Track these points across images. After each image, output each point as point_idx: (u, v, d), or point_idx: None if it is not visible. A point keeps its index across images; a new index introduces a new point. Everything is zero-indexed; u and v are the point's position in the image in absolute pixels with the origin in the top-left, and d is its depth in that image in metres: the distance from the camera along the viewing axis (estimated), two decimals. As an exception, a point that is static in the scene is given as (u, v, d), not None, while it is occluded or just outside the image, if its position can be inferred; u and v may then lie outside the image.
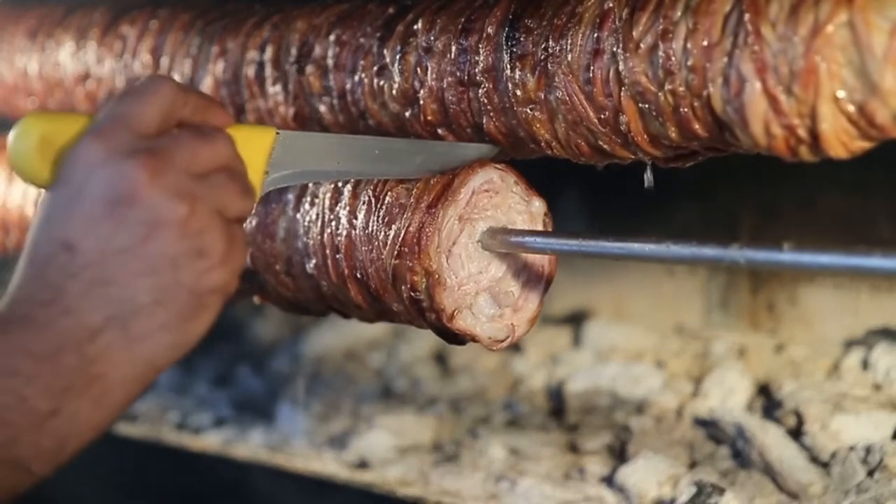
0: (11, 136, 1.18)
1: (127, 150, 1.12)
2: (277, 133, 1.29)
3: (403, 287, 1.39)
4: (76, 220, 1.13)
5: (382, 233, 1.41)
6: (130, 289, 1.12)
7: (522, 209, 1.42)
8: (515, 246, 1.40)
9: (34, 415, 1.07)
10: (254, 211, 1.39)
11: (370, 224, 1.43)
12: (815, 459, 1.71)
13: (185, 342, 1.15)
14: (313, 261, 1.49)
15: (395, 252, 1.39)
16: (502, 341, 1.42)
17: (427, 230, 1.38)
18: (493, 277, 1.41)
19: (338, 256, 1.46)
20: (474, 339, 1.40)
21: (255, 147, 1.26)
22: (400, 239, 1.39)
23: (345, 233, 1.46)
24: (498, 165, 1.42)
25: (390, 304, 1.43)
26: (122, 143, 1.13)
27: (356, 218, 1.44)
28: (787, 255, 1.15)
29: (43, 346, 1.09)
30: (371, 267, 1.42)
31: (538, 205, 1.43)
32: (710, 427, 1.84)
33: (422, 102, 1.44)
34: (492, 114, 1.40)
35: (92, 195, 1.12)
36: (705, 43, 1.20)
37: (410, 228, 1.38)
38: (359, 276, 1.44)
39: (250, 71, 1.63)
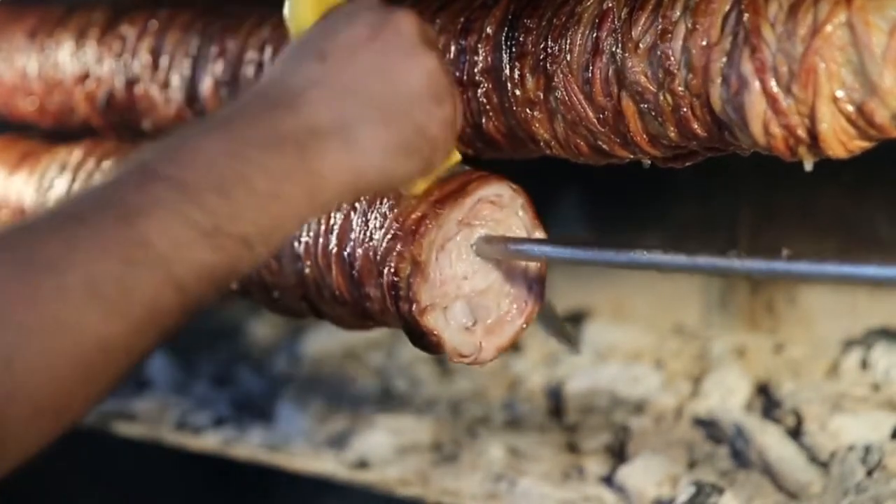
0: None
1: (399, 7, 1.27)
2: (461, 161, 1.39)
3: (387, 269, 1.38)
4: (338, 37, 1.24)
5: (382, 216, 1.41)
6: (365, 105, 1.22)
7: (521, 234, 1.42)
8: (511, 254, 1.39)
9: (256, 194, 1.13)
10: None
11: (373, 206, 1.42)
12: (814, 459, 1.71)
13: (393, 171, 1.24)
14: (304, 238, 1.49)
15: (390, 234, 1.39)
16: (465, 356, 1.40)
17: (427, 221, 1.37)
18: (476, 288, 1.40)
19: (331, 235, 1.46)
20: (439, 345, 1.38)
21: None
22: (398, 222, 1.38)
23: (343, 213, 1.45)
24: (513, 185, 1.41)
25: (369, 289, 1.42)
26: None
27: (360, 200, 1.44)
28: (788, 265, 1.15)
29: (267, 140, 1.16)
30: (360, 247, 1.42)
31: (538, 236, 1.42)
32: (709, 427, 1.84)
33: (421, 102, 1.44)
34: (491, 114, 1.40)
35: (360, 20, 1.25)
36: (704, 43, 1.20)
37: (412, 215, 1.38)
38: (346, 254, 1.44)
39: (250, 71, 1.63)
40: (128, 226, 1.07)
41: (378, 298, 1.42)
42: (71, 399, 1.04)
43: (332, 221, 1.47)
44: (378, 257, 1.40)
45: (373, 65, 1.23)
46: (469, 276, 1.40)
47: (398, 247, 1.38)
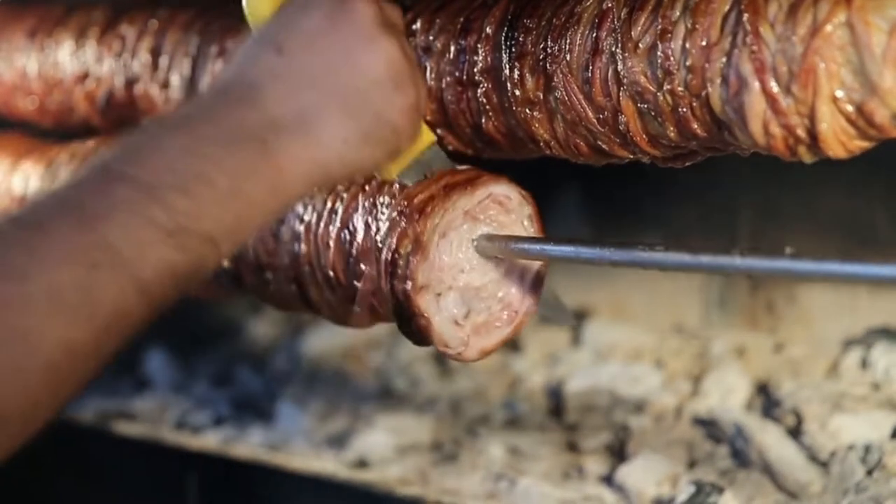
0: None
1: None
2: (435, 143, 1.38)
3: (387, 245, 1.38)
4: (294, 29, 1.24)
5: (391, 196, 1.41)
6: (324, 95, 1.21)
7: None
8: (512, 252, 1.39)
9: (217, 192, 1.14)
10: None
11: (382, 189, 1.43)
12: (813, 458, 1.71)
13: (357, 161, 1.25)
14: (307, 217, 1.49)
15: (396, 211, 1.38)
16: (449, 348, 1.39)
17: (435, 203, 1.37)
18: (471, 284, 1.40)
19: (335, 215, 1.46)
20: (427, 330, 1.38)
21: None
22: (407, 200, 1.38)
23: (351, 193, 1.46)
24: (523, 191, 1.41)
25: (364, 266, 1.42)
26: None
27: (371, 181, 1.45)
28: (791, 264, 1.15)
29: (227, 136, 1.16)
30: (363, 226, 1.43)
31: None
32: (709, 426, 1.84)
33: (421, 102, 1.44)
34: (491, 114, 1.40)
35: (316, 10, 1.24)
36: (704, 43, 1.20)
37: (420, 196, 1.38)
38: (347, 232, 1.44)
39: (249, 70, 1.62)
40: (89, 230, 1.07)
41: (372, 277, 1.41)
42: (38, 406, 1.05)
43: (337, 202, 1.47)
44: (380, 235, 1.40)
45: (330, 54, 1.23)
46: (466, 270, 1.40)
47: (402, 223, 1.37)
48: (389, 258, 1.38)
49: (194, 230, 1.12)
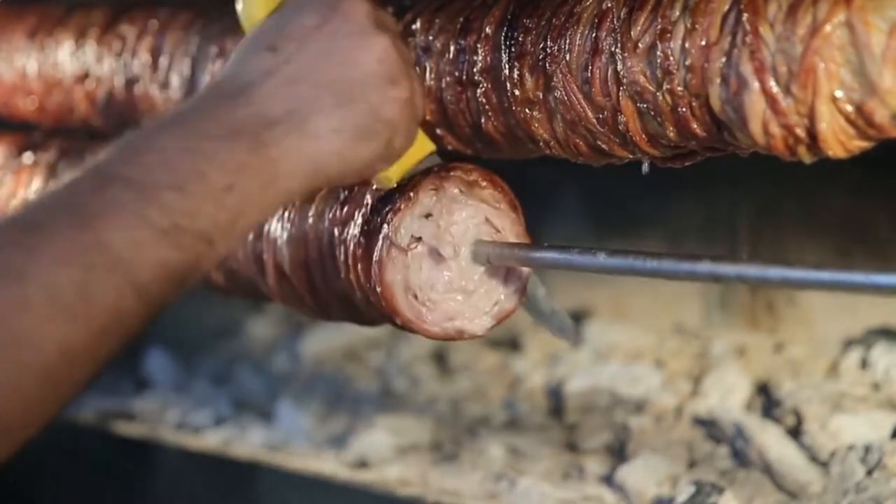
0: None
1: None
2: (435, 152, 1.38)
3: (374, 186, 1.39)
4: (288, 28, 1.25)
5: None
6: (318, 91, 1.22)
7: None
8: (505, 259, 1.39)
9: (212, 189, 1.14)
10: None
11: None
12: (814, 459, 1.71)
13: (352, 157, 1.24)
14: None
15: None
16: (401, 314, 1.37)
17: (451, 168, 1.38)
18: (443, 263, 1.39)
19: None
20: (381, 272, 1.36)
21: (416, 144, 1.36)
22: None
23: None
24: (521, 224, 1.41)
25: (354, 210, 1.42)
26: None
27: None
28: (788, 272, 1.16)
29: (221, 131, 1.16)
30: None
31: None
32: (709, 426, 1.84)
33: (421, 102, 1.44)
34: (490, 114, 1.40)
35: (309, 10, 1.25)
36: (703, 43, 1.20)
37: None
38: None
39: (249, 70, 1.62)
40: (86, 230, 1.07)
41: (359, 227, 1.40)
42: (36, 409, 1.05)
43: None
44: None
45: (323, 51, 1.24)
46: (441, 240, 1.39)
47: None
48: (376, 195, 1.39)
49: (190, 229, 1.12)
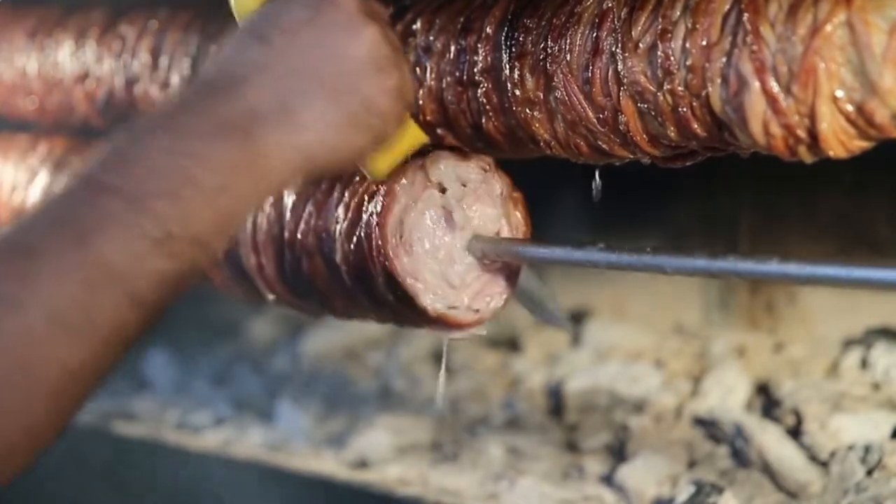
0: None
1: None
2: (426, 143, 1.39)
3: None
4: (278, 21, 1.24)
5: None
6: (307, 83, 1.22)
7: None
8: (502, 255, 1.40)
9: (204, 191, 1.13)
10: None
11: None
12: (813, 459, 1.71)
13: (343, 147, 1.24)
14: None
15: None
16: (384, 245, 1.43)
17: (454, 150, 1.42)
18: (445, 229, 1.44)
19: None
20: (382, 231, 1.42)
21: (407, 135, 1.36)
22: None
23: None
24: (525, 227, 1.45)
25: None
26: None
27: None
28: (782, 268, 1.16)
29: (210, 129, 1.16)
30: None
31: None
32: (709, 426, 1.84)
33: (421, 102, 1.44)
34: (491, 114, 1.40)
35: (299, 2, 1.24)
36: (704, 43, 1.20)
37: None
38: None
39: (249, 70, 1.62)
40: (81, 248, 1.07)
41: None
42: (43, 431, 1.06)
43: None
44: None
45: (313, 43, 1.23)
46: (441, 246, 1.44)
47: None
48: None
49: (183, 235, 1.11)
